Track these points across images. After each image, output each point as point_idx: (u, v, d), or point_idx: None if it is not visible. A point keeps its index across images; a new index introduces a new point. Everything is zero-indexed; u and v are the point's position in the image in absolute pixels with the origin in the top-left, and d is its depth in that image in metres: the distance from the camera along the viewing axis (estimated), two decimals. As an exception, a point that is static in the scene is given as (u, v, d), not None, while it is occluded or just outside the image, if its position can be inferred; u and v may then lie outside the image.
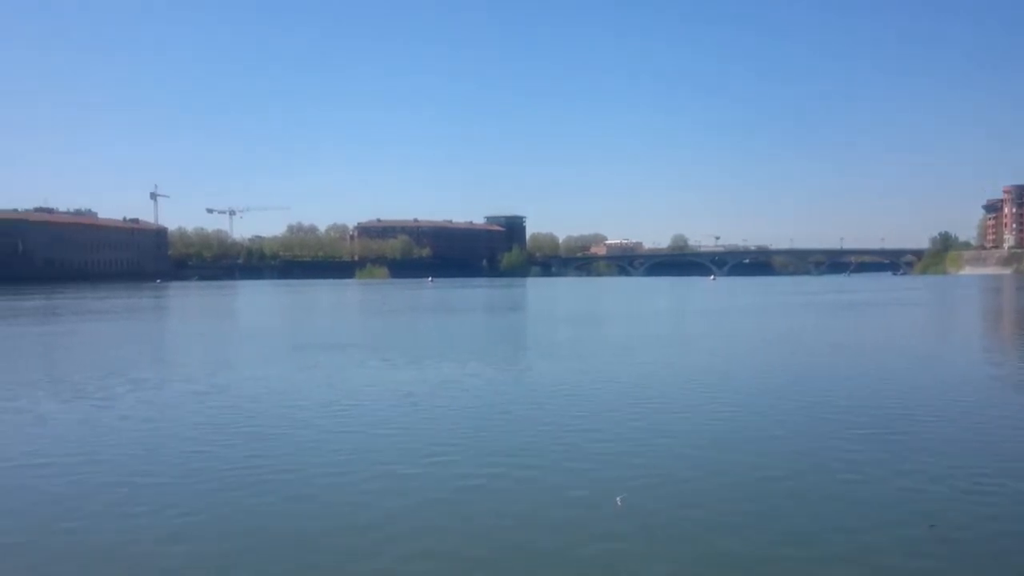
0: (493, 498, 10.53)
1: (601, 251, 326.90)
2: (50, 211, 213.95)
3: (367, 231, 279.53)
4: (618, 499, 10.07)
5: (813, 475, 11.49)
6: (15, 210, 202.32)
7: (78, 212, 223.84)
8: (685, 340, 35.60)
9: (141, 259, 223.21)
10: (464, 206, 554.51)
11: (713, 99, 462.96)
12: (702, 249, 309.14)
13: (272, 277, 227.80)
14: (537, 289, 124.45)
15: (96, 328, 44.91)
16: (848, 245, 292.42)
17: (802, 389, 19.38)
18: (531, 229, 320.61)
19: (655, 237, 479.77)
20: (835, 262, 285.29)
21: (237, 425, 15.29)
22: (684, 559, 8.37)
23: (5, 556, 8.66)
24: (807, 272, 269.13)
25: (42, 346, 34.39)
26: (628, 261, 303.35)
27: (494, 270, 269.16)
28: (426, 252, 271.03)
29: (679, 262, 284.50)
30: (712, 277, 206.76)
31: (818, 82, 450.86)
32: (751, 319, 49.11)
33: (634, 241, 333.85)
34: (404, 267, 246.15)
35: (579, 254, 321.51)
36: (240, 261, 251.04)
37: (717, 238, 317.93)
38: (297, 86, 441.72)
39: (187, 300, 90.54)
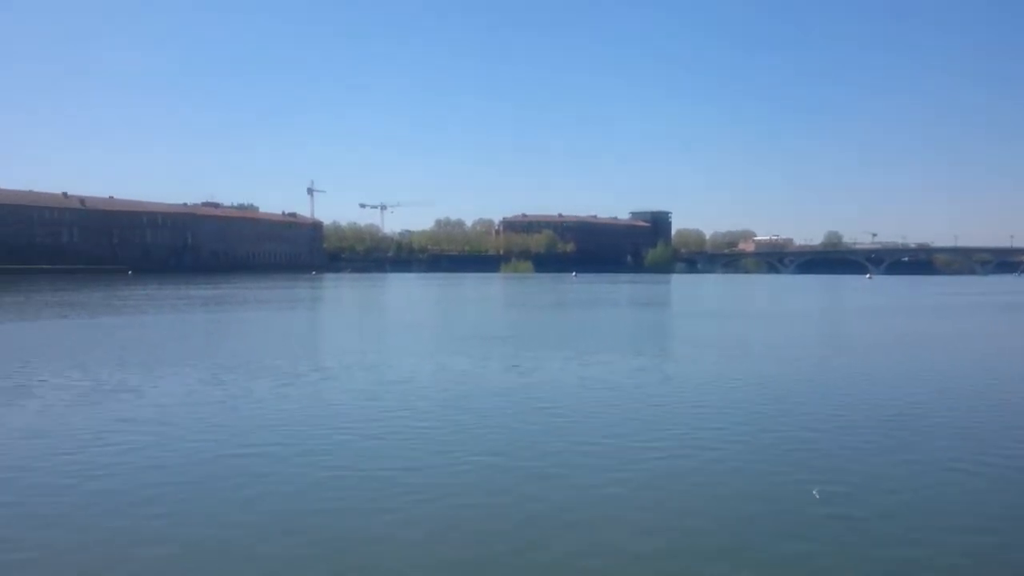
0: (702, 488, 10.60)
1: (749, 248, 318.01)
2: (216, 205, 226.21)
3: (512, 226, 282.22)
4: (815, 492, 10.17)
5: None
6: (185, 204, 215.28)
7: (242, 207, 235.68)
8: (846, 340, 34.38)
9: (298, 252, 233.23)
10: (609, 201, 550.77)
11: (867, 94, 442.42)
12: (857, 246, 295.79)
13: (420, 270, 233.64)
14: (683, 286, 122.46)
15: (270, 316, 47.58)
16: (1019, 243, 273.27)
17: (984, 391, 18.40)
18: (677, 225, 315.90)
19: (807, 233, 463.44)
20: (1003, 261, 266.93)
21: (456, 412, 15.77)
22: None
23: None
24: (972, 272, 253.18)
25: (233, 332, 36.38)
26: (778, 258, 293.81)
27: (638, 266, 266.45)
28: (570, 247, 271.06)
29: (832, 260, 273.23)
30: (868, 276, 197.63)
31: (977, 77, 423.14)
32: (921, 320, 46.86)
33: (784, 238, 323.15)
34: (548, 262, 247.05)
35: (726, 251, 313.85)
36: (390, 254, 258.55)
37: (874, 235, 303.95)
38: (444, 84, 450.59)
39: (345, 291, 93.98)
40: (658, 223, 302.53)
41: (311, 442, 13.13)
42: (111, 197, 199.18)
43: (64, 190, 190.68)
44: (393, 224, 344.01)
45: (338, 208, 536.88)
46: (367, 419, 14.93)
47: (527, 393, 17.99)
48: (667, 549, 8.55)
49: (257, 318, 45.38)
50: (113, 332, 34.57)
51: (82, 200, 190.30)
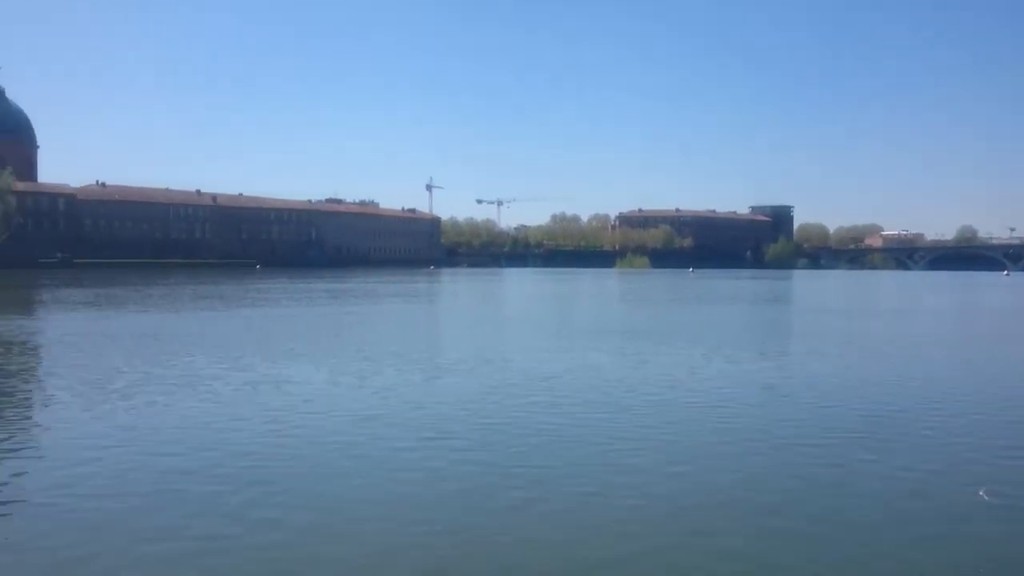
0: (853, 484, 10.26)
1: (876, 243, 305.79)
2: (339, 202, 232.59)
3: (628, 221, 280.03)
4: (982, 491, 9.70)
5: None
6: (309, 201, 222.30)
7: (363, 203, 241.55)
8: (989, 339, 32.68)
9: (417, 246, 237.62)
10: (728, 195, 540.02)
11: (1007, 78, 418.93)
12: (993, 241, 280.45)
13: (535, 265, 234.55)
14: (806, 282, 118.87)
15: (398, 309, 48.73)
16: None
17: None
18: (799, 219, 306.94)
19: (938, 228, 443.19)
20: None
21: (602, 404, 15.84)
22: None
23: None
24: None
25: (368, 324, 37.29)
26: (907, 254, 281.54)
27: (758, 262, 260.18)
28: (687, 242, 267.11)
29: (965, 255, 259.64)
30: (1005, 272, 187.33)
31: None
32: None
33: (914, 232, 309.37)
34: (665, 257, 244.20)
35: (852, 246, 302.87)
36: (506, 249, 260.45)
37: (1012, 229, 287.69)
38: (561, 79, 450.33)
39: (465, 285, 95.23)
40: (779, 218, 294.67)
41: (472, 435, 13.23)
42: (240, 194, 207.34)
43: (197, 188, 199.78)
44: (509, 219, 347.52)
45: (456, 204, 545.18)
46: (514, 412, 15.01)
47: (666, 388, 17.77)
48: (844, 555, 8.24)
49: (387, 311, 46.43)
50: (258, 323, 36.02)
51: (214, 197, 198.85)
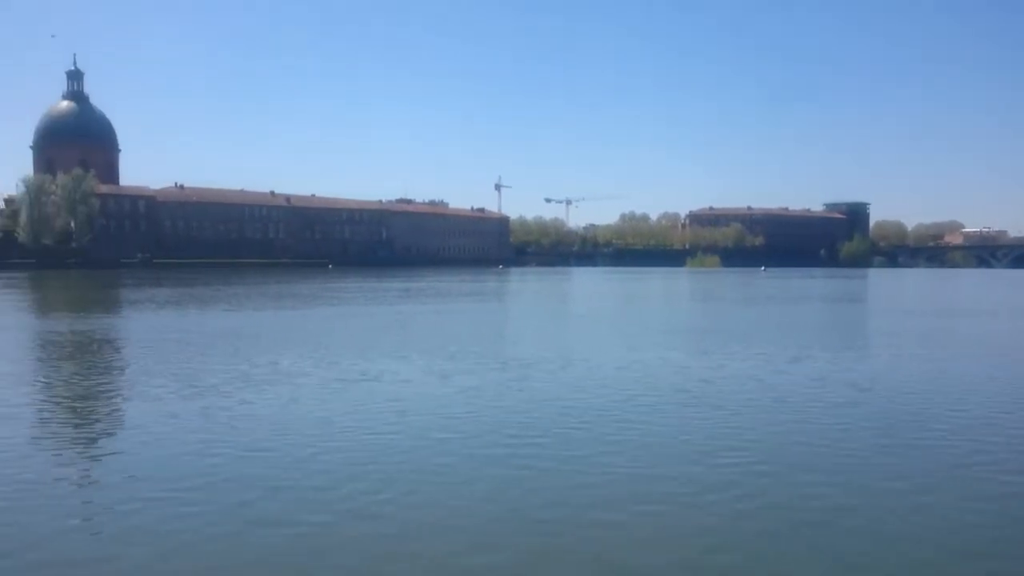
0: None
1: (956, 240, 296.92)
2: (409, 202, 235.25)
3: (698, 219, 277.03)
4: None
5: None
6: (380, 201, 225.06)
7: (432, 203, 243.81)
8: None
9: (486, 246, 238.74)
10: (801, 192, 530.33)
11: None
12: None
13: (604, 264, 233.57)
14: (884, 281, 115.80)
15: (473, 307, 49.05)
16: None
17: None
18: (875, 216, 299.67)
19: (1022, 226, 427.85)
20: None
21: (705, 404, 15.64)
22: None
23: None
24: None
25: (446, 322, 37.56)
26: (989, 252, 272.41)
27: (832, 260, 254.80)
28: (759, 241, 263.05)
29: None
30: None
31: None
32: None
33: (997, 230, 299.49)
34: (735, 256, 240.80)
35: (931, 244, 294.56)
36: (575, 249, 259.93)
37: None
38: (630, 80, 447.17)
39: (535, 284, 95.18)
40: (854, 215, 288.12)
41: (559, 434, 13.12)
42: (313, 195, 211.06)
43: (271, 189, 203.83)
44: (578, 219, 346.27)
45: (524, 203, 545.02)
46: (603, 411, 14.83)
47: (755, 389, 17.42)
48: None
49: (461, 309, 46.63)
50: (338, 321, 36.51)
51: (288, 198, 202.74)
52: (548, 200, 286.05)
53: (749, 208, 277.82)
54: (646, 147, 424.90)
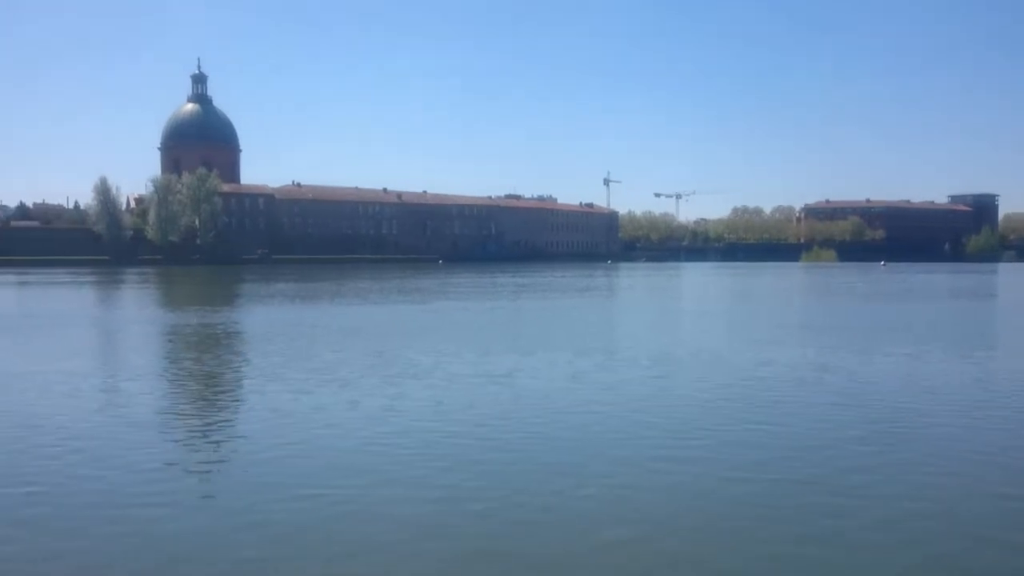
0: None
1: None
2: (517, 197, 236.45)
3: (814, 212, 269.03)
4: None
5: None
6: (489, 197, 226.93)
7: (541, 198, 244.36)
8: None
9: (594, 241, 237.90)
10: (924, 184, 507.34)
11: None
12: None
13: (715, 259, 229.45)
14: (1017, 276, 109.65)
15: (589, 303, 48.89)
16: None
17: None
18: (1004, 209, 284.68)
19: None
20: None
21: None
22: None
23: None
24: None
25: (568, 318, 37.60)
26: None
27: (957, 255, 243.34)
28: (878, 234, 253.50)
29: None
30: None
31: None
32: None
33: None
34: (853, 250, 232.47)
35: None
36: (684, 244, 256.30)
37: None
38: (741, 72, 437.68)
39: (647, 279, 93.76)
40: (982, 207, 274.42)
41: (702, 433, 12.77)
42: (424, 192, 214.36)
43: (384, 186, 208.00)
44: (688, 213, 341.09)
45: (633, 198, 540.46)
46: (751, 410, 14.38)
47: (910, 390, 16.59)
48: None
49: (579, 304, 46.62)
50: (463, 315, 36.99)
51: (399, 195, 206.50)
52: (657, 195, 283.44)
53: (868, 200, 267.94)
54: (759, 139, 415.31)
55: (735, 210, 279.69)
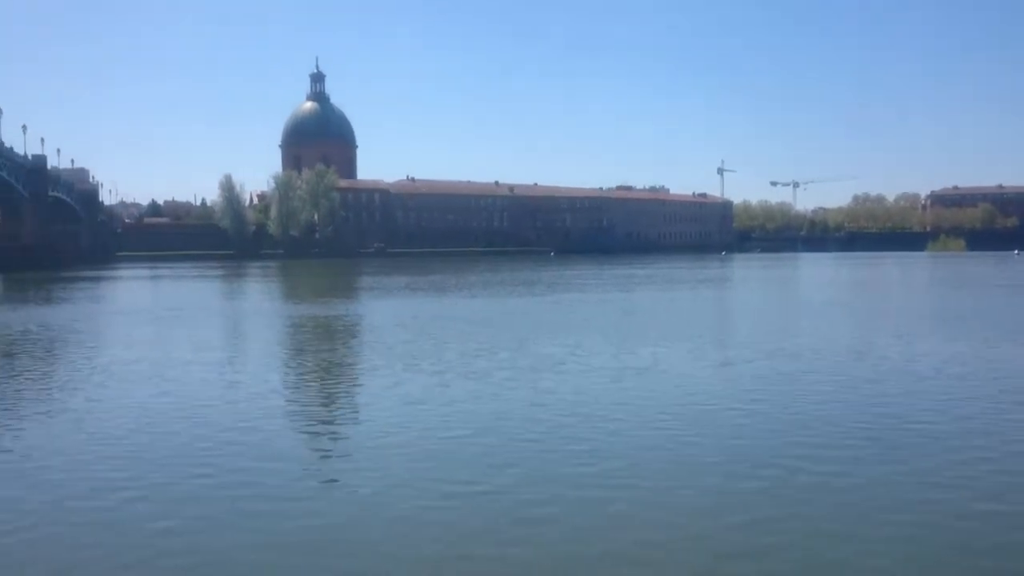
0: None
1: None
2: (629, 188, 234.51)
3: (941, 200, 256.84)
4: None
5: None
6: (600, 189, 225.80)
7: (652, 189, 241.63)
8: None
9: (707, 231, 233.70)
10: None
11: None
12: None
13: (835, 249, 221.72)
14: None
15: (711, 294, 48.26)
16: None
17: None
18: None
19: None
20: None
21: None
22: None
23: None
24: None
25: (693, 309, 37.10)
26: None
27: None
28: (1012, 222, 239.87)
29: None
30: None
31: None
32: None
33: None
34: (983, 239, 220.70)
35: None
36: (802, 233, 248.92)
37: None
38: (861, 55, 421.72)
39: (764, 271, 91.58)
40: None
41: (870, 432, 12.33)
42: (535, 184, 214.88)
43: (495, 179, 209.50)
44: (806, 202, 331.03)
45: (748, 187, 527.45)
46: (909, 408, 13.81)
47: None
48: None
49: (699, 296, 46.09)
50: (586, 307, 36.95)
51: (511, 188, 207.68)
52: (774, 183, 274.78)
53: (1000, 186, 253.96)
54: (881, 124, 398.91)
55: (856, 198, 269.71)
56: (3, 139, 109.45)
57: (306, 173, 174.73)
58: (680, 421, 12.80)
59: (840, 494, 9.19)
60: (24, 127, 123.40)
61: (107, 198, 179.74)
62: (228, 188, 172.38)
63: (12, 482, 10.15)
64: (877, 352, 20.43)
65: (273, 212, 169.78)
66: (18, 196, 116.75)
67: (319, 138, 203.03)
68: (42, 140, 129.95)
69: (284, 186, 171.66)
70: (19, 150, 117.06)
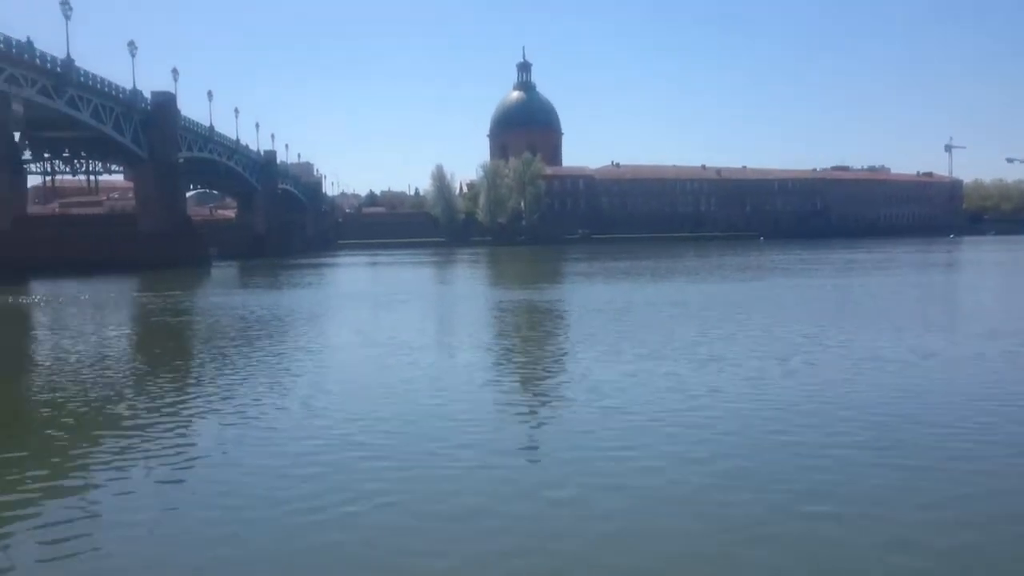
0: None
1: None
2: (845, 169, 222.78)
3: None
4: None
5: None
6: (813, 170, 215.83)
7: (871, 168, 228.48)
8: None
9: (933, 213, 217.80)
10: None
11: None
12: None
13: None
14: None
15: (952, 278, 45.71)
16: None
17: None
18: None
19: None
20: None
21: None
22: None
23: None
24: None
25: (922, 296, 35.20)
26: None
27: None
28: None
29: None
30: None
31: None
32: None
33: None
34: None
35: None
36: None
37: None
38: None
39: (1013, 254, 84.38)
40: None
41: None
42: (744, 167, 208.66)
43: (702, 163, 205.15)
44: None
45: (981, 165, 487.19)
46: None
47: None
48: None
49: (939, 281, 43.21)
50: (815, 292, 35.70)
51: (718, 171, 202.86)
52: (1010, 160, 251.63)
53: None
54: None
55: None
56: (239, 136, 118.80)
57: (512, 161, 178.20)
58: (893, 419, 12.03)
59: None
60: (257, 125, 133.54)
61: (329, 189, 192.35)
62: (439, 178, 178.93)
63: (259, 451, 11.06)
64: None
65: (481, 200, 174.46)
66: (251, 189, 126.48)
67: (525, 126, 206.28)
68: (272, 136, 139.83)
69: (492, 174, 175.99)
70: (252, 147, 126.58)
